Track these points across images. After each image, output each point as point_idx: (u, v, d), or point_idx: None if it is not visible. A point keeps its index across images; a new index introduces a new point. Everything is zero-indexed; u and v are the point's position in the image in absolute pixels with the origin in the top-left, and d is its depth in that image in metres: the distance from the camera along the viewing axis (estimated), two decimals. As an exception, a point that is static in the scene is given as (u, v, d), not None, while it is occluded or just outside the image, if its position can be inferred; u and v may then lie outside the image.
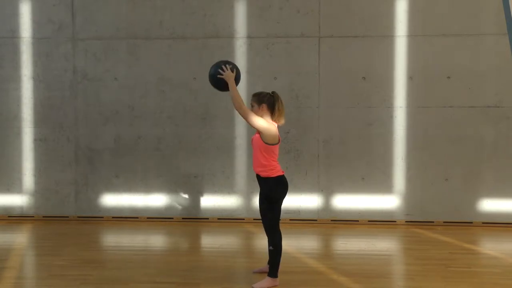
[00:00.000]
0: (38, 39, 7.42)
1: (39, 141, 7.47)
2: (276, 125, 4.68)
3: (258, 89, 7.05)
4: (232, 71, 4.63)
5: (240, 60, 7.19)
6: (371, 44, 7.10)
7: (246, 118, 4.55)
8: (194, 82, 7.29)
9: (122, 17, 7.34)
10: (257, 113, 4.63)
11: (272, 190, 4.63)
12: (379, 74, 7.11)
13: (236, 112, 7.13)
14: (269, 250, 4.65)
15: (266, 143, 4.59)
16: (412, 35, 7.07)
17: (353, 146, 7.17)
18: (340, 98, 7.17)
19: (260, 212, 4.76)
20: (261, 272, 4.98)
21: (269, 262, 4.70)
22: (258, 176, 4.72)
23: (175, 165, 7.37)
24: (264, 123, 4.56)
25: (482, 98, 7.03)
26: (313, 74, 7.18)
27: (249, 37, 7.22)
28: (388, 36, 7.08)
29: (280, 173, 4.67)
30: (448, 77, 7.05)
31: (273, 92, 4.71)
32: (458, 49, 7.04)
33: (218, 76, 4.64)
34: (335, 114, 7.17)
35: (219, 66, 4.65)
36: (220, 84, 4.68)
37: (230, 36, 7.23)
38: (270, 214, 4.66)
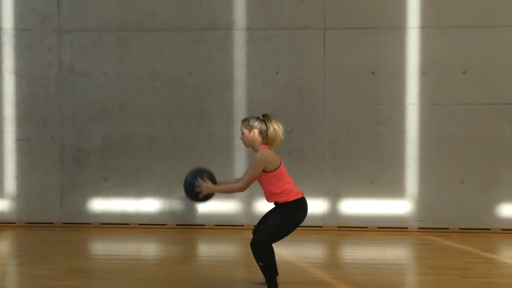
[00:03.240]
0: (20, 31, 7.40)
1: (22, 141, 7.45)
2: (271, 148, 4.65)
3: (257, 84, 7.18)
4: (205, 180, 4.60)
5: (239, 53, 7.18)
6: (381, 36, 7.09)
7: (252, 180, 4.55)
8: (189, 77, 7.27)
9: (112, 7, 7.32)
10: (247, 139, 4.66)
11: (292, 215, 4.57)
12: (389, 68, 7.10)
13: (235, 110, 7.23)
14: (260, 266, 4.59)
15: (270, 171, 4.57)
16: (425, 27, 7.05)
17: (361, 146, 7.15)
18: (347, 95, 7.15)
19: (264, 221, 4.70)
20: (262, 284, 4.93)
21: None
22: (275, 203, 4.66)
23: (169, 167, 7.34)
24: (257, 163, 4.52)
25: (500, 94, 7.02)
26: (318, 69, 7.16)
27: (249, 28, 7.21)
28: (399, 28, 7.07)
29: (298, 196, 4.62)
30: (464, 72, 7.04)
31: (264, 115, 4.67)
32: (474, 41, 7.03)
33: (197, 190, 4.60)
34: (342, 112, 7.16)
35: (192, 184, 4.59)
36: (206, 197, 4.66)
37: (228, 28, 7.22)
38: (275, 232, 4.57)
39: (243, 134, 4.69)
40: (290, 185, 4.63)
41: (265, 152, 4.59)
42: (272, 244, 4.62)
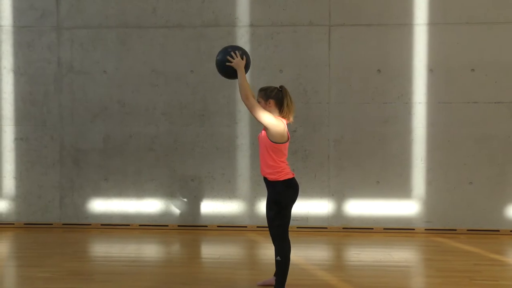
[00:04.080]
0: (19, 28, 7.40)
1: (20, 141, 7.46)
2: (285, 122, 4.67)
3: (261, 83, 7.07)
4: (242, 58, 4.61)
5: None
6: (387, 33, 7.08)
7: (252, 110, 4.54)
8: (191, 76, 7.27)
9: (112, 4, 7.32)
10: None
11: (281, 194, 4.62)
12: (396, 66, 7.09)
13: (238, 109, 7.18)
14: (276, 261, 4.64)
15: (273, 142, 4.59)
16: (433, 23, 7.04)
17: (367, 146, 7.14)
18: (352, 93, 7.14)
19: (268, 219, 4.74)
20: (266, 285, 4.97)
21: (275, 274, 4.68)
22: (265, 180, 4.71)
23: (170, 167, 7.35)
24: (271, 118, 4.56)
25: (509, 92, 7.01)
26: (322, 67, 7.14)
27: (252, 25, 7.20)
28: (406, 25, 7.06)
29: (289, 176, 4.66)
30: (472, 70, 7.02)
31: (281, 87, 4.71)
32: (483, 38, 7.02)
33: (227, 64, 4.61)
34: (347, 111, 7.15)
35: (227, 52, 4.65)
36: (228, 72, 4.69)
37: (231, 25, 7.21)
38: (279, 221, 4.64)
39: (259, 103, 4.66)
40: (284, 164, 4.66)
41: (279, 121, 4.59)
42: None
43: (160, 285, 5.05)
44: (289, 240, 4.69)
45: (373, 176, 7.15)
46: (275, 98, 4.63)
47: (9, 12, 7.39)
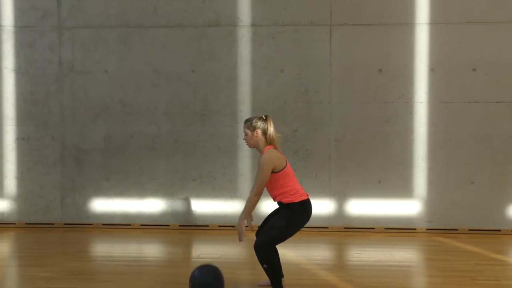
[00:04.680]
0: (20, 28, 7.43)
1: (22, 140, 7.49)
2: (275, 147, 4.72)
3: (263, 83, 7.17)
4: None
5: (243, 50, 7.21)
6: (389, 32, 7.10)
7: (263, 185, 4.59)
8: (192, 75, 7.30)
9: (113, 4, 7.35)
10: (251, 140, 4.72)
11: (295, 216, 4.62)
12: (397, 66, 7.11)
13: (239, 109, 7.25)
14: (265, 269, 4.62)
15: (277, 172, 4.62)
16: (434, 23, 7.06)
17: (368, 145, 7.16)
18: (353, 93, 7.16)
19: (267, 222, 4.75)
20: (266, 286, 4.95)
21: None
22: (279, 203, 4.72)
23: (171, 167, 7.38)
24: (265, 165, 4.56)
25: (511, 92, 7.03)
26: (324, 66, 7.17)
27: (253, 25, 7.23)
28: (407, 24, 7.08)
29: (304, 197, 4.68)
30: (474, 69, 7.05)
31: (266, 116, 4.77)
32: (484, 38, 7.03)
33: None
34: (348, 110, 7.17)
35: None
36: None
37: (233, 24, 7.24)
38: (278, 233, 4.61)
39: (246, 135, 4.74)
40: (296, 186, 4.68)
41: (271, 153, 4.64)
42: (276, 246, 4.65)
43: (161, 285, 5.06)
44: (276, 249, 4.63)
45: (374, 176, 7.16)
46: (260, 128, 4.69)
47: (11, 12, 7.41)
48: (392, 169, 7.15)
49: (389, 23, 7.09)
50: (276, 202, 4.77)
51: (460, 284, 5.10)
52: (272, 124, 4.73)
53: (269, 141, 4.71)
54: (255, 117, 4.76)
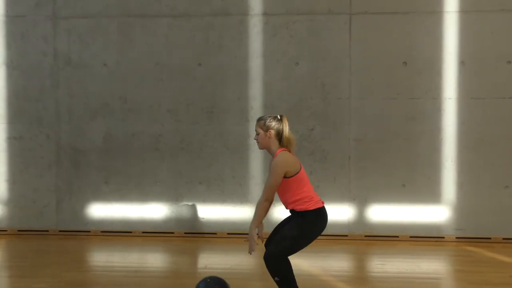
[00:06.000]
0: (11, 17, 7.43)
1: (13, 140, 7.47)
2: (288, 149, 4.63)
3: (276, 76, 7.18)
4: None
5: (254, 42, 7.19)
6: (414, 21, 7.06)
7: (274, 190, 4.51)
8: (198, 69, 7.26)
9: (113, -9, 7.40)
10: (263, 141, 4.64)
11: (309, 226, 4.53)
12: (424, 58, 7.06)
13: (250, 106, 7.22)
14: (277, 282, 4.51)
15: (289, 177, 4.52)
16: (464, 11, 6.99)
17: (391, 145, 7.11)
18: (375, 88, 7.11)
19: (279, 231, 4.63)
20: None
21: None
22: (292, 211, 4.63)
23: (176, 169, 7.33)
24: (277, 169, 4.48)
25: (549, 87, 7.00)
26: (342, 59, 7.12)
27: (265, 14, 7.19)
28: (434, 12, 7.03)
29: (319, 205, 4.58)
30: (509, 62, 6.98)
31: (281, 116, 4.68)
32: (520, 27, 7.01)
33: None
34: (370, 107, 7.12)
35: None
36: None
37: (243, 13, 7.21)
38: (290, 244, 4.50)
39: (258, 134, 4.67)
40: (311, 192, 4.60)
41: (284, 155, 4.54)
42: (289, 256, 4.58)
43: (165, 299, 5.13)
44: (288, 260, 4.53)
45: (399, 179, 7.11)
46: (274, 128, 4.61)
47: (1, 1, 7.43)
48: (418, 171, 7.10)
49: (415, 11, 7.06)
50: (288, 210, 4.69)
51: (496, 299, 5.13)
52: (287, 125, 4.65)
53: (284, 144, 4.62)
54: (269, 116, 4.68)
